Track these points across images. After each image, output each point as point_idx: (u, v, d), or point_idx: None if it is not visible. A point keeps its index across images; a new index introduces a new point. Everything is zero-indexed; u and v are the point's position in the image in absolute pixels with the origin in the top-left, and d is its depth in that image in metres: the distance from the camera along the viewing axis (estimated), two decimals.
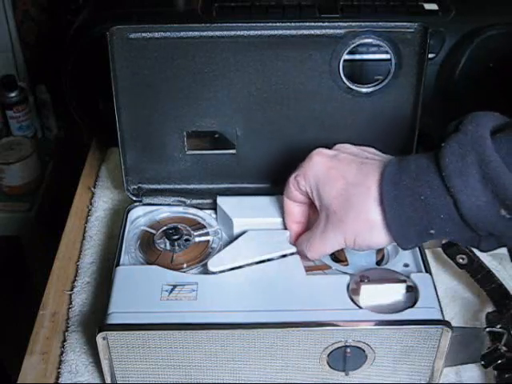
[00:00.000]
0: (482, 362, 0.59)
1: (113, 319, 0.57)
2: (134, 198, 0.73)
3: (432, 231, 0.50)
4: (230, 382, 0.60)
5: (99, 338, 0.56)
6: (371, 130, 0.70)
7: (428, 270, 0.62)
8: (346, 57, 0.66)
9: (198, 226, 0.70)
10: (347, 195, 0.54)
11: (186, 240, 0.67)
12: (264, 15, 0.75)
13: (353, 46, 0.66)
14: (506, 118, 0.49)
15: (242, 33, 0.66)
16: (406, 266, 0.63)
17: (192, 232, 0.68)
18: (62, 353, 0.65)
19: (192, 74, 0.68)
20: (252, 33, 0.66)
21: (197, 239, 0.67)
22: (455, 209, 0.48)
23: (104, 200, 0.83)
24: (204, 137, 0.73)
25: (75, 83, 0.84)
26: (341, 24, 0.65)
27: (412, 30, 0.65)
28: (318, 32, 0.65)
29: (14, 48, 1.51)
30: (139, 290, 0.60)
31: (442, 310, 0.58)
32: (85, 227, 0.80)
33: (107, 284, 0.62)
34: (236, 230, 0.67)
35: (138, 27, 0.65)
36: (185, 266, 0.64)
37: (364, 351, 0.57)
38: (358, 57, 0.75)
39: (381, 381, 0.60)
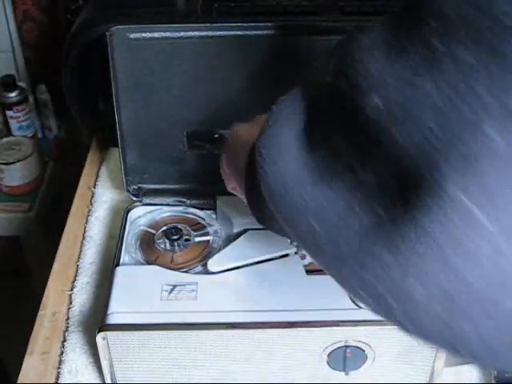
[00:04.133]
0: None
1: (113, 319, 0.57)
2: (134, 198, 0.73)
3: None
4: (230, 381, 0.59)
5: (99, 338, 0.56)
6: None
7: None
8: None
9: (198, 226, 0.69)
10: None
11: (186, 240, 0.67)
12: (264, 15, 0.75)
13: None
14: None
15: (242, 33, 0.66)
16: None
17: (192, 232, 0.68)
18: (62, 353, 0.65)
19: (192, 73, 0.67)
20: (252, 33, 0.66)
21: (197, 239, 0.67)
22: None
23: (104, 200, 0.83)
24: (204, 137, 0.73)
25: (75, 83, 0.84)
26: (341, 24, 0.65)
27: None
28: (318, 32, 0.65)
29: (14, 48, 1.51)
30: (139, 290, 0.60)
31: None
32: (85, 227, 0.80)
33: (107, 284, 0.62)
34: (236, 230, 0.67)
35: (138, 27, 0.65)
36: (185, 266, 0.64)
37: (364, 351, 0.57)
38: None
39: (381, 381, 0.60)
